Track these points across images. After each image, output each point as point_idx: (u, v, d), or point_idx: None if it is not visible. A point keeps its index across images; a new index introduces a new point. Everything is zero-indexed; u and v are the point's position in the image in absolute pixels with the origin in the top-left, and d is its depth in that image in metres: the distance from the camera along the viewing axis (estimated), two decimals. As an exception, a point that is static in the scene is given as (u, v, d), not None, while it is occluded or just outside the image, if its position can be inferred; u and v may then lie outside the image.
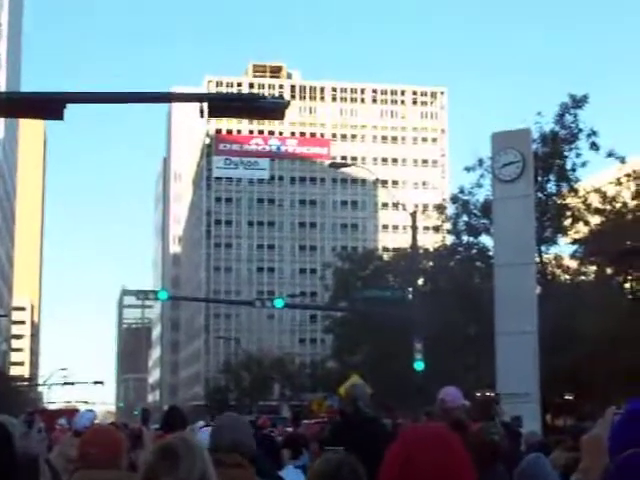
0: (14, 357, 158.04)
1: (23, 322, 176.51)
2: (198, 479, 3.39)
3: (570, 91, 41.42)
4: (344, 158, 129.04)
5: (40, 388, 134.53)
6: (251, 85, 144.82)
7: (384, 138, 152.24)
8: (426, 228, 57.75)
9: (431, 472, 2.87)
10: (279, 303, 47.08)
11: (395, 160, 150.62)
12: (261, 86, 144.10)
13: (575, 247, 43.78)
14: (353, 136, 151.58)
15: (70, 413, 18.84)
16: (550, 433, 24.95)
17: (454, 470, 2.91)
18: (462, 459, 2.98)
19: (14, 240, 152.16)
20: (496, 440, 6.86)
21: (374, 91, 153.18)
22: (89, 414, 10.86)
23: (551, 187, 41.99)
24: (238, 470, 5.06)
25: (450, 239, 49.44)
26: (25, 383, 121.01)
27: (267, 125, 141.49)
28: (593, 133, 40.61)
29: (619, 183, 40.86)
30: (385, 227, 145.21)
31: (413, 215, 39.78)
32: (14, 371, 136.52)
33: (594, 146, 40.60)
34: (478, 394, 10.42)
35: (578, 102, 41.01)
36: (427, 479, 2.87)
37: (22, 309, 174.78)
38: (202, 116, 15.35)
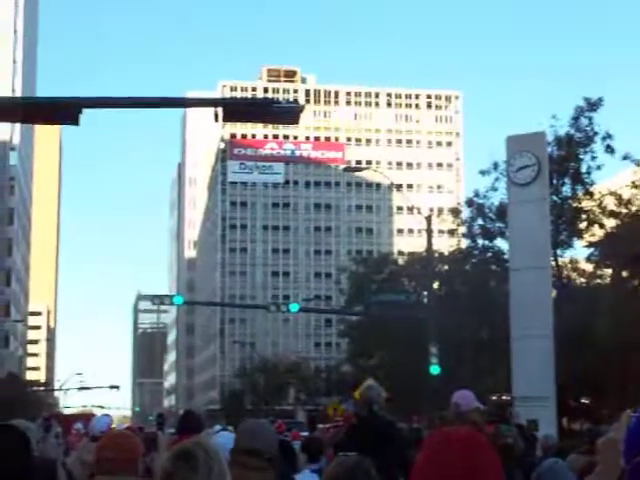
0: (30, 362, 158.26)
1: (39, 327, 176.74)
2: (214, 483, 3.40)
3: (585, 94, 41.49)
4: (359, 162, 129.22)
5: (56, 393, 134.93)
6: (265, 90, 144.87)
7: (399, 142, 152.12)
8: (441, 232, 57.88)
9: (460, 475, 2.87)
10: (294, 307, 47.21)
11: (410, 164, 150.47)
12: (275, 90, 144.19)
13: (591, 250, 43.69)
14: (368, 140, 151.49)
15: (86, 418, 18.87)
16: (566, 437, 24.88)
17: (482, 472, 2.91)
18: (491, 461, 2.97)
19: (30, 245, 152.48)
20: (509, 443, 6.86)
21: (389, 95, 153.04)
22: (105, 419, 10.86)
23: (566, 190, 41.96)
24: (259, 473, 5.08)
25: (465, 243, 49.42)
26: (41, 388, 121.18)
27: (282, 129, 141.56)
28: (608, 136, 40.58)
29: (635, 186, 40.75)
30: (400, 231, 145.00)
31: (428, 219, 39.70)
32: (30, 376, 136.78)
33: (609, 149, 40.55)
34: (493, 397, 10.44)
35: (593, 105, 40.98)
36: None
37: (38, 314, 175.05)
38: (217, 121, 15.40)
